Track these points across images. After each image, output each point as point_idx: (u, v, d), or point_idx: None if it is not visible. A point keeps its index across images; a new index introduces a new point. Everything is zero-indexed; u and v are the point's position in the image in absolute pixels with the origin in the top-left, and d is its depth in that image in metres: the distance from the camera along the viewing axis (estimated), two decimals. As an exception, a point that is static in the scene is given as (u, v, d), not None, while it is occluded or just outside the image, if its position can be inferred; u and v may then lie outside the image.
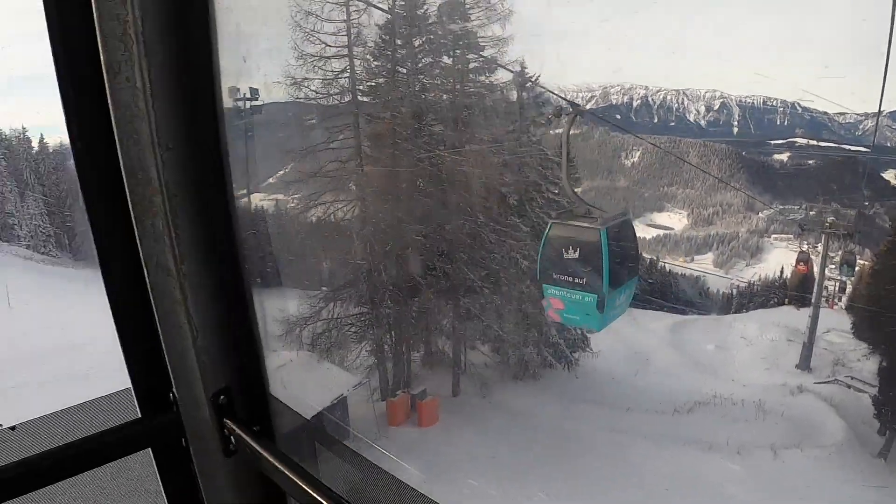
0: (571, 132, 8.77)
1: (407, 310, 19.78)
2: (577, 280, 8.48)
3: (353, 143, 19.83)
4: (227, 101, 1.65)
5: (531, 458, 15.07)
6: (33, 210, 39.26)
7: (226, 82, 1.64)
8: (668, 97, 43.46)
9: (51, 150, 39.89)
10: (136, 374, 1.85)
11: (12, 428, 1.87)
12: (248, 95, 27.95)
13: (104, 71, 1.56)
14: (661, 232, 40.62)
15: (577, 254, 8.44)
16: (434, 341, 20.72)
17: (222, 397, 1.85)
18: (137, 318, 1.77)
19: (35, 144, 39.87)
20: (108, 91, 1.57)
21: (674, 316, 26.86)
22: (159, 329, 1.76)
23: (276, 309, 20.91)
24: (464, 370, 20.34)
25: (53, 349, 24.01)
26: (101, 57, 1.55)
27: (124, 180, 1.63)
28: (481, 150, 18.80)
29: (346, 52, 19.75)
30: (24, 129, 39.95)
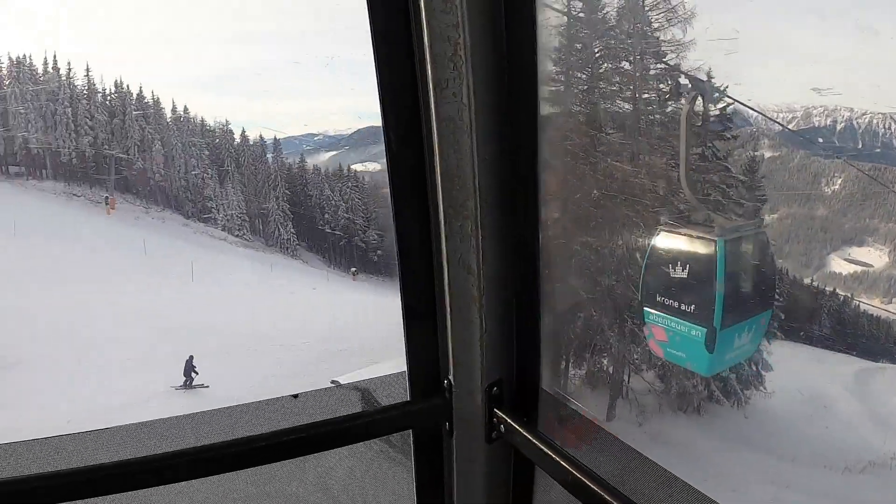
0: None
1: (568, 324, 19.43)
2: (683, 307, 7.19)
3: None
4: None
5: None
6: (231, 196, 43.19)
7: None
8: (875, 121, 39.32)
9: (251, 143, 43.88)
10: (413, 359, 2.06)
11: (295, 396, 2.11)
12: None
13: (431, 87, 1.75)
14: (859, 268, 36.77)
15: (685, 272, 7.16)
16: (595, 361, 20.21)
17: (495, 388, 2.00)
18: (427, 308, 1.98)
19: (237, 137, 43.94)
20: (432, 104, 1.76)
21: (864, 362, 24.43)
22: (448, 321, 1.93)
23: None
24: (623, 395, 19.66)
25: (222, 324, 26.26)
26: (430, 74, 1.74)
27: (438, 185, 1.81)
28: (660, 163, 18.09)
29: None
30: (227, 122, 44.18)
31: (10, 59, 38.75)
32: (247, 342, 24.25)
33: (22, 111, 39.00)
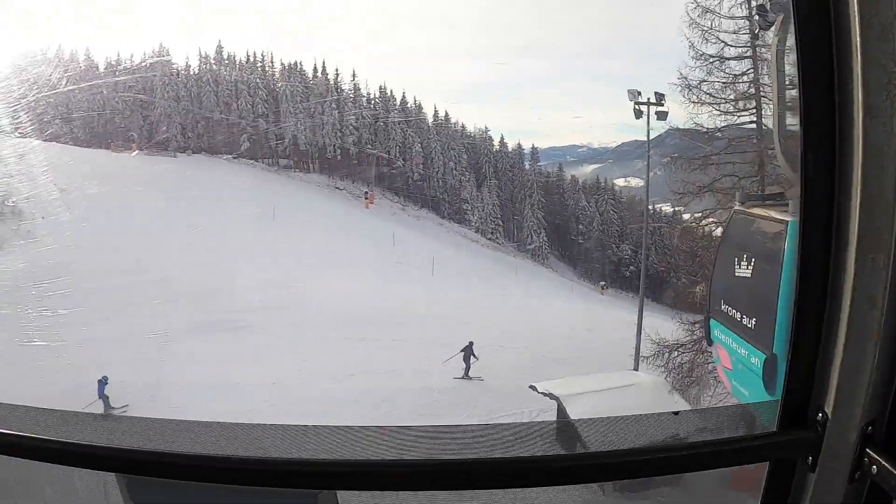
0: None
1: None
2: (745, 319, 4.73)
3: (755, 158, 18.13)
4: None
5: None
6: (487, 200, 44.54)
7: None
8: None
9: (509, 151, 45.37)
10: (791, 388, 2.03)
11: (675, 413, 2.16)
12: (653, 100, 26.94)
13: (860, 113, 1.73)
14: None
15: (750, 268, 4.76)
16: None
17: (870, 427, 1.92)
18: (815, 339, 1.95)
19: (496, 144, 45.53)
20: (859, 130, 1.74)
21: None
22: (839, 355, 1.89)
23: (651, 326, 20.86)
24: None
25: (449, 318, 27.08)
26: (859, 100, 1.72)
27: (853, 214, 1.79)
28: None
29: (748, 52, 18.54)
30: (486, 128, 45.72)
31: (282, 64, 43.85)
32: (468, 339, 24.88)
33: (292, 111, 43.73)
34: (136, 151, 41.12)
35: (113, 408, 20.12)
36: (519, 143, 45.15)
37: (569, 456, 1.99)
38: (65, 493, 2.64)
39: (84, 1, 43.27)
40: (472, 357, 22.78)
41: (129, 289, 26.32)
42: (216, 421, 2.16)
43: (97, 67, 41.10)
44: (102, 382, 20.35)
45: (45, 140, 29.09)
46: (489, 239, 43.40)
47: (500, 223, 44.03)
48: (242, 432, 2.17)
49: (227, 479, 2.02)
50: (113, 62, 41.39)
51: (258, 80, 43.06)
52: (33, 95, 27.58)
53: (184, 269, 29.12)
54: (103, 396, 20.30)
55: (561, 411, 14.20)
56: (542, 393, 15.18)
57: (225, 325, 25.18)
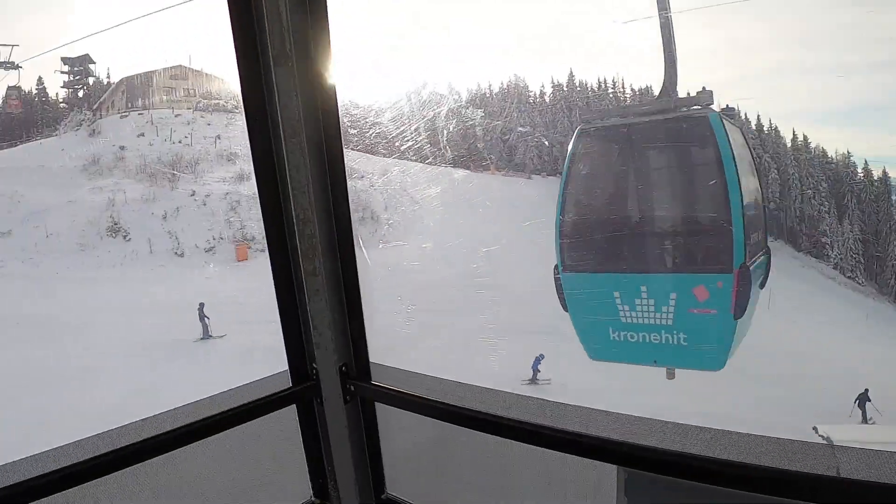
0: None
1: None
2: None
3: None
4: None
5: None
6: (848, 234, 41.41)
7: None
8: None
9: (874, 180, 41.61)
10: None
11: None
12: None
13: None
14: None
15: None
16: None
17: None
18: None
19: (860, 172, 42.19)
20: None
21: None
22: None
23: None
24: None
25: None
26: None
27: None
28: None
29: None
30: (849, 154, 42.40)
31: (632, 89, 44.92)
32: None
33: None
34: (494, 172, 44.67)
35: (538, 380, 24.02)
36: (884, 171, 40.82)
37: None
38: (547, 479, 2.67)
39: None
40: (867, 402, 22.09)
41: (461, 290, 29.35)
42: (708, 427, 2.19)
43: (459, 95, 45.27)
44: (539, 359, 24.07)
45: (410, 160, 33.60)
46: (848, 277, 39.43)
47: (862, 260, 39.77)
48: (730, 440, 2.17)
49: (728, 482, 2.05)
50: (473, 91, 45.94)
51: (609, 104, 44.22)
52: (402, 124, 32.47)
53: (514, 278, 30.93)
54: (536, 370, 24.16)
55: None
56: (820, 435, 14.68)
57: (538, 329, 26.45)
